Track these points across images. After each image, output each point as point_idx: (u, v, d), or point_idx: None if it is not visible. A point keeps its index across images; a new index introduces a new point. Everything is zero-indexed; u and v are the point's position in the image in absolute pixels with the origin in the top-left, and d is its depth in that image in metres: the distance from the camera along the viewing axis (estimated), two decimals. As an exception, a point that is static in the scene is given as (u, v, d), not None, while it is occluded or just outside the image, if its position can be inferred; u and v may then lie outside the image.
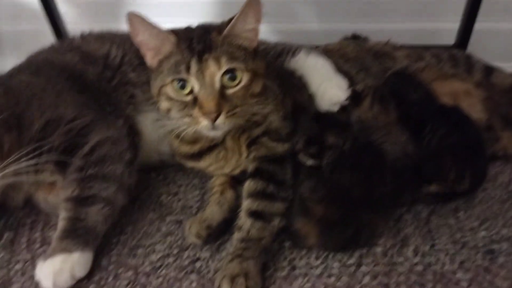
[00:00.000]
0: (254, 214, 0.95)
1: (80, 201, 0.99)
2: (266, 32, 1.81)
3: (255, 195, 0.97)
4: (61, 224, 0.96)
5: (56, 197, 1.09)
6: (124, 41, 1.28)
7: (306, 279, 0.92)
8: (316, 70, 1.20)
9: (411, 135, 1.12)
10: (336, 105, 1.14)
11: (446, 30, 1.69)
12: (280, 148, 1.03)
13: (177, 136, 1.02)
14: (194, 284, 0.92)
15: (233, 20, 0.94)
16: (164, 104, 0.96)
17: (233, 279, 0.87)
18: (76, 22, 1.80)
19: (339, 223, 0.92)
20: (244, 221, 0.95)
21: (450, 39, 1.67)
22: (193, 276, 0.94)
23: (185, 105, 0.92)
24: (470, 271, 0.92)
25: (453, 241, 1.00)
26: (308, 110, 1.17)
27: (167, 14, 1.82)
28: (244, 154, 1.04)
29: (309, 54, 1.24)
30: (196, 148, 1.06)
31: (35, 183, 1.07)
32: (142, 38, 0.94)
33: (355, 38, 1.53)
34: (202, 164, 1.09)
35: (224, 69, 0.91)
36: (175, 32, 0.93)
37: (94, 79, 1.20)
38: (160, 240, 1.03)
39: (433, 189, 1.06)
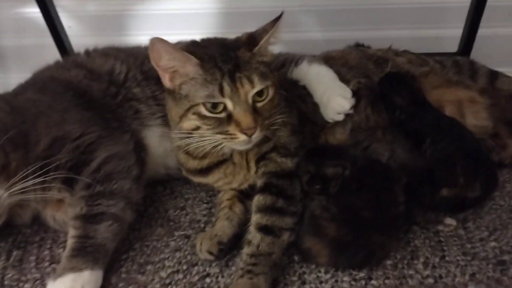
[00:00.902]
0: (264, 229, 0.95)
1: (88, 219, 0.99)
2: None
3: (264, 209, 0.97)
4: (70, 242, 0.96)
5: (64, 214, 1.09)
6: (128, 56, 1.29)
7: (316, 293, 0.92)
8: (319, 79, 1.21)
9: (405, 139, 1.13)
10: (340, 115, 1.14)
11: (449, 37, 1.70)
12: (289, 163, 1.03)
13: (186, 152, 1.02)
14: (204, 301, 0.91)
15: (263, 39, 0.95)
16: (191, 123, 0.94)
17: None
18: (79, 36, 1.81)
19: (352, 245, 0.92)
20: (253, 235, 0.95)
21: (453, 46, 1.68)
22: (203, 293, 0.93)
23: (219, 123, 0.92)
24: (482, 283, 0.92)
25: (463, 252, 1.00)
26: (313, 120, 1.17)
27: (169, 26, 1.83)
28: (253, 169, 1.04)
29: (312, 63, 1.24)
30: (204, 163, 1.06)
31: (42, 200, 1.07)
32: (165, 62, 0.93)
33: (358, 46, 1.53)
34: (210, 179, 1.09)
35: (257, 88, 0.92)
36: (195, 54, 0.92)
37: (100, 96, 1.21)
38: (169, 256, 1.03)
39: (445, 193, 1.04)
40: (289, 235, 0.96)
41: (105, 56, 1.28)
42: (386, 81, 1.21)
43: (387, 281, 0.93)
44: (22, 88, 1.24)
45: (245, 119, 0.90)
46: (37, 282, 0.98)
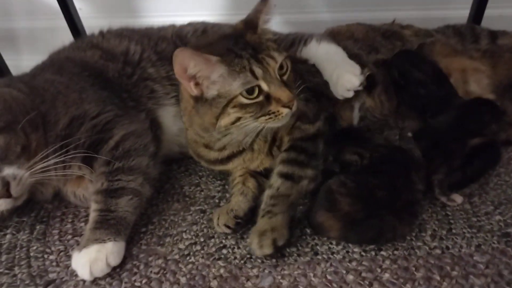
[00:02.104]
0: (285, 175, 1.02)
1: (109, 193, 1.03)
2: (277, 24, 1.83)
3: (287, 161, 1.04)
4: (92, 215, 1.01)
5: (85, 190, 1.13)
6: (141, 37, 1.32)
7: (328, 263, 0.96)
8: (328, 58, 1.23)
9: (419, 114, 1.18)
10: (350, 92, 1.17)
11: (456, 17, 1.70)
12: (311, 128, 1.09)
13: (206, 145, 1.09)
14: (222, 270, 0.96)
15: (260, 19, 0.99)
16: (231, 117, 0.95)
17: (261, 234, 0.95)
18: (89, 17, 1.83)
19: (363, 222, 0.96)
20: (275, 180, 1.03)
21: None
22: (221, 263, 0.98)
23: (260, 106, 0.94)
24: (487, 254, 0.96)
25: (469, 225, 1.03)
26: (325, 94, 1.20)
27: (177, 8, 1.84)
28: (284, 145, 1.09)
29: (321, 42, 1.26)
30: (225, 154, 1.10)
31: (63, 177, 1.11)
32: (190, 71, 0.94)
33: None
34: (229, 166, 1.13)
35: (279, 60, 0.95)
36: (212, 52, 0.93)
37: (115, 75, 1.24)
38: (186, 229, 1.07)
39: (477, 141, 1.09)
40: (308, 183, 1.04)
41: (119, 37, 1.31)
42: (403, 57, 1.24)
43: (396, 252, 0.97)
44: (40, 70, 1.27)
45: (283, 93, 0.93)
46: (61, 253, 1.03)
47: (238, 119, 0.95)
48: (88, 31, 1.81)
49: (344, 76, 1.17)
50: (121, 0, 1.86)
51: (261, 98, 0.94)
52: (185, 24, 1.43)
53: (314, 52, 1.26)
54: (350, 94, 1.17)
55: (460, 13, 1.70)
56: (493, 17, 1.67)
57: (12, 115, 1.03)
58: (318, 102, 1.15)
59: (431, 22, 1.66)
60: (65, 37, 1.80)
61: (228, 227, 1.02)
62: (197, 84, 0.95)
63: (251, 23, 1.00)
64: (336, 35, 1.38)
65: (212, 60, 0.92)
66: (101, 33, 1.35)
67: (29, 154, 1.03)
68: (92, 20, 1.82)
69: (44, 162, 1.04)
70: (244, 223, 1.04)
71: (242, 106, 0.94)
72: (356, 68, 1.18)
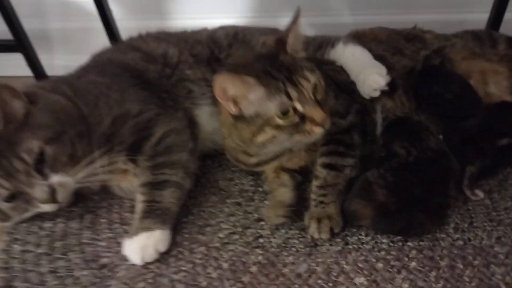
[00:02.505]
0: (328, 166, 1.11)
1: (154, 186, 1.11)
2: (303, 26, 1.90)
3: (328, 153, 1.12)
4: (140, 206, 1.09)
5: (129, 183, 1.21)
6: (178, 41, 1.40)
7: (358, 253, 1.04)
8: (355, 59, 1.29)
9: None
10: (376, 91, 1.23)
11: (475, 21, 1.76)
12: (344, 123, 1.16)
13: (244, 152, 1.17)
14: (260, 257, 1.04)
15: (290, 39, 1.05)
16: (267, 135, 1.02)
17: (319, 220, 1.06)
18: (122, 19, 1.91)
19: (395, 214, 1.03)
20: (320, 171, 1.11)
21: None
22: (259, 250, 1.06)
23: (294, 126, 1.01)
24: (506, 245, 1.03)
25: (489, 219, 1.10)
26: (354, 91, 1.26)
27: (207, 10, 1.92)
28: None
29: (347, 44, 1.33)
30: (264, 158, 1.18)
31: (109, 172, 1.19)
32: (230, 93, 1.00)
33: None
34: (268, 167, 1.21)
35: (313, 80, 1.01)
36: (250, 74, 0.99)
37: (155, 76, 1.32)
38: (224, 220, 1.15)
39: (506, 141, 1.18)
40: (350, 170, 1.12)
41: (158, 40, 1.39)
42: (429, 77, 1.29)
43: (421, 243, 1.05)
44: (84, 71, 1.34)
45: (317, 113, 0.99)
46: (111, 240, 1.12)
47: (274, 136, 1.02)
48: (121, 32, 1.91)
49: (371, 76, 1.23)
50: (151, 2, 1.94)
51: (296, 118, 1.00)
52: (217, 28, 1.51)
53: (341, 54, 1.32)
54: (377, 93, 1.23)
55: (480, 16, 1.76)
56: (512, 21, 1.74)
57: (60, 125, 1.10)
58: (349, 96, 1.22)
59: (451, 26, 1.71)
60: (98, 38, 1.90)
61: (284, 216, 1.10)
62: (235, 103, 1.02)
63: (282, 43, 1.05)
64: (360, 37, 1.44)
65: (249, 82, 0.98)
66: (141, 36, 1.44)
67: (74, 162, 1.10)
68: (124, 22, 1.91)
69: (89, 167, 1.11)
70: (297, 209, 1.11)
71: (277, 127, 1.01)
72: (382, 69, 1.24)
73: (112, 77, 1.28)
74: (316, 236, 1.06)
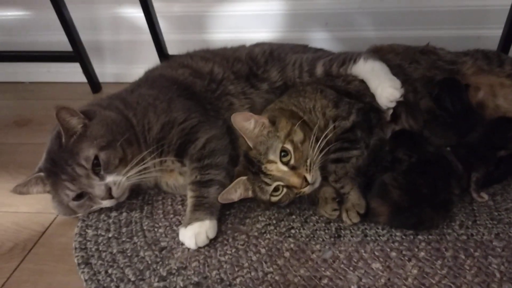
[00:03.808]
0: (335, 161, 1.29)
1: (202, 184, 1.32)
2: (327, 40, 2.09)
3: (335, 151, 1.30)
4: (191, 201, 1.30)
5: (175, 181, 1.43)
6: (221, 59, 1.61)
7: (376, 243, 1.22)
8: (373, 74, 1.46)
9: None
10: (393, 102, 1.40)
11: (489, 37, 1.91)
12: (348, 123, 1.34)
13: None
14: (292, 245, 1.24)
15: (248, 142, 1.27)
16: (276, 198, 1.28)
17: (347, 210, 1.25)
18: (169, 32, 2.13)
19: (407, 210, 1.20)
20: (330, 166, 1.29)
21: (493, 45, 1.88)
22: (291, 239, 1.26)
23: (289, 192, 1.27)
24: (504, 241, 1.19)
25: (491, 218, 1.26)
26: (364, 94, 1.44)
27: (243, 25, 2.12)
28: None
29: (367, 60, 1.49)
30: None
31: (160, 171, 1.41)
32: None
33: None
34: None
35: (277, 158, 1.23)
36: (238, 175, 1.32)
37: (201, 90, 1.53)
38: (261, 214, 1.35)
39: (503, 153, 1.34)
40: (356, 159, 1.30)
41: (205, 60, 1.60)
42: (444, 85, 1.47)
43: (430, 237, 1.22)
44: (137, 85, 1.57)
45: (294, 180, 1.21)
46: (168, 228, 1.34)
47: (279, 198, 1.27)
48: (167, 44, 2.13)
49: (387, 89, 1.38)
50: (194, 18, 2.14)
51: (285, 190, 1.24)
52: (254, 45, 1.71)
53: (362, 69, 1.48)
54: (393, 104, 1.39)
55: (494, 32, 1.90)
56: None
57: (112, 135, 1.31)
58: (353, 99, 1.41)
59: (465, 41, 1.87)
60: (145, 49, 2.13)
61: (337, 209, 1.29)
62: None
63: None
64: (379, 51, 1.61)
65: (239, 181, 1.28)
66: (189, 54, 1.66)
67: (125, 163, 1.32)
68: (170, 35, 2.14)
69: (139, 166, 1.33)
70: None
71: (277, 196, 1.26)
72: (397, 83, 1.40)
73: (160, 89, 1.50)
74: (349, 222, 1.25)
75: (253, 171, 1.25)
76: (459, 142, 1.37)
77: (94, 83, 2.22)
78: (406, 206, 1.20)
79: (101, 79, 2.27)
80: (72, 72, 2.25)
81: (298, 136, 1.25)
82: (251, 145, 1.26)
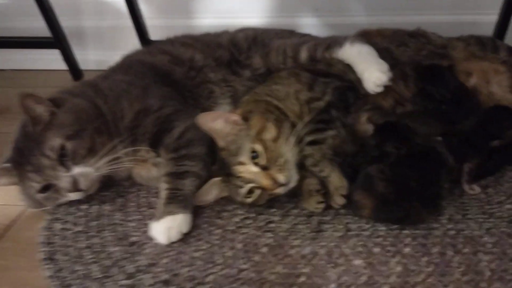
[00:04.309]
0: (311, 143, 1.21)
1: (177, 175, 1.24)
2: (318, 26, 2.02)
3: (309, 132, 1.23)
4: (164, 193, 1.22)
5: (148, 172, 1.36)
6: (203, 46, 1.54)
7: (358, 238, 1.15)
8: (360, 57, 1.39)
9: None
10: (379, 87, 1.33)
11: (484, 23, 1.83)
12: (322, 103, 1.28)
13: None
14: (270, 240, 1.17)
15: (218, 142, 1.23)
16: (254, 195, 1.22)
17: (332, 194, 1.19)
18: (151, 17, 2.05)
19: (393, 203, 1.13)
20: (306, 149, 1.21)
21: (488, 31, 1.81)
22: (269, 234, 1.18)
23: (264, 193, 1.21)
24: (495, 236, 1.12)
25: (482, 212, 1.19)
26: (356, 87, 1.37)
27: (229, 10, 2.04)
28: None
29: (354, 43, 1.42)
30: None
31: (133, 161, 1.33)
32: None
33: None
34: None
35: (246, 158, 1.17)
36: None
37: (180, 77, 1.45)
38: (240, 207, 1.28)
39: (497, 143, 1.27)
40: (333, 140, 1.23)
41: (185, 46, 1.52)
42: (427, 76, 1.39)
43: (416, 231, 1.15)
44: (111, 71, 1.49)
45: (265, 182, 1.15)
46: (140, 222, 1.26)
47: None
48: (150, 30, 2.04)
49: (374, 73, 1.32)
50: (178, 2, 2.06)
51: (259, 191, 1.18)
52: (237, 31, 1.64)
53: (348, 53, 1.42)
54: (380, 89, 1.32)
55: (489, 18, 1.83)
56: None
57: (80, 124, 1.24)
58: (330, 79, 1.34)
59: (460, 27, 1.79)
60: (128, 35, 2.05)
61: (323, 202, 1.21)
62: None
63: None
64: (366, 34, 1.55)
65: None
66: (170, 41, 1.58)
67: (95, 154, 1.24)
68: (153, 21, 2.06)
69: (110, 156, 1.25)
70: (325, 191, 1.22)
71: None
72: (384, 66, 1.33)
73: (136, 75, 1.42)
74: (336, 206, 1.20)
75: (225, 173, 1.19)
76: (452, 131, 1.29)
77: (75, 71, 2.14)
78: (392, 199, 1.13)
79: (83, 66, 2.19)
80: (53, 59, 2.17)
81: (271, 133, 1.18)
82: (222, 145, 1.20)
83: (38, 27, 2.04)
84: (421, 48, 1.50)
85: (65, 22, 2.06)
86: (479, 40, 1.53)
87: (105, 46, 2.22)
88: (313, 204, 1.22)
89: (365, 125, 1.30)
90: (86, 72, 2.18)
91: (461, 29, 1.71)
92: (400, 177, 1.15)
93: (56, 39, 2.03)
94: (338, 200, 1.19)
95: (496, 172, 1.32)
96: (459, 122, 1.32)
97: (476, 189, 1.25)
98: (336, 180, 1.19)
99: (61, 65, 2.14)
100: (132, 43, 1.99)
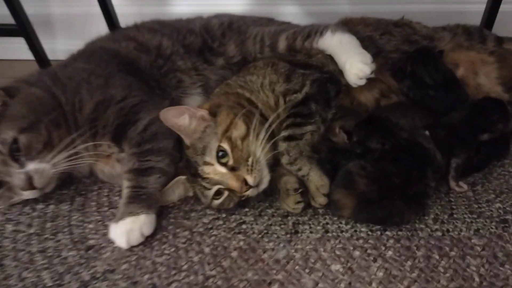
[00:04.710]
0: (287, 138, 1.12)
1: (140, 172, 1.14)
2: (298, 14, 1.91)
3: (286, 127, 1.14)
4: (125, 192, 1.12)
5: (112, 168, 1.25)
6: (172, 32, 1.42)
7: (337, 240, 1.06)
8: (341, 47, 1.30)
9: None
10: (362, 80, 1.24)
11: (472, 12, 1.75)
12: (300, 96, 1.18)
13: None
14: (241, 243, 1.07)
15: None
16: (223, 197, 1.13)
17: (313, 194, 1.10)
18: (121, 5, 1.93)
19: (375, 202, 1.04)
20: (281, 145, 1.12)
21: (476, 20, 1.72)
22: (241, 236, 1.09)
23: (230, 194, 1.12)
24: (484, 238, 1.04)
25: (470, 211, 1.11)
26: (338, 79, 1.28)
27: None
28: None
29: (335, 32, 1.33)
30: None
31: (95, 156, 1.22)
32: None
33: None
34: None
35: (212, 159, 1.07)
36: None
37: (147, 66, 1.34)
38: (209, 207, 1.18)
39: (485, 137, 1.20)
40: (312, 135, 1.13)
41: (153, 32, 1.41)
42: (418, 58, 1.30)
43: (400, 233, 1.06)
44: (72, 59, 1.37)
45: (233, 184, 1.05)
46: (99, 223, 1.15)
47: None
48: (119, 18, 1.92)
49: (356, 65, 1.23)
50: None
51: (227, 193, 1.09)
52: (212, 16, 1.53)
53: (329, 42, 1.32)
54: (363, 82, 1.24)
55: (476, 7, 1.75)
56: (508, 12, 1.72)
57: (35, 116, 1.13)
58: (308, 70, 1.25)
59: (447, 17, 1.71)
60: (98, 23, 1.92)
61: (302, 201, 1.12)
62: None
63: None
64: (348, 23, 1.46)
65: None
66: (136, 26, 1.46)
67: (51, 148, 1.13)
68: (123, 8, 1.93)
69: (68, 151, 1.14)
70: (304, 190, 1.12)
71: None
72: (367, 57, 1.24)
73: (98, 63, 1.30)
74: (317, 206, 1.12)
75: (191, 172, 1.10)
76: (438, 123, 1.20)
77: (42, 60, 1.99)
78: (374, 197, 1.05)
79: (51, 56, 2.04)
80: (18, 48, 2.03)
81: (239, 130, 1.08)
82: (187, 142, 1.10)
83: (1, 14, 1.90)
84: (406, 38, 1.41)
85: (31, 9, 1.91)
86: (466, 30, 1.45)
87: (74, 34, 2.07)
88: (291, 204, 1.12)
89: (340, 135, 1.20)
90: (54, 62, 2.04)
91: (448, 20, 1.63)
92: (383, 173, 1.06)
93: (20, 26, 1.88)
94: (320, 200, 1.10)
95: (485, 168, 1.24)
96: (446, 113, 1.24)
97: (464, 186, 1.17)
98: (316, 179, 1.09)
99: (27, 54, 2.00)
100: (104, 32, 1.86)
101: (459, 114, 1.22)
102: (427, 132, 1.18)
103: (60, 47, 2.09)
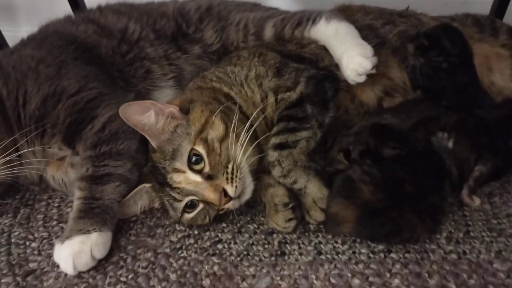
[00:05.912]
0: (279, 146, 0.96)
1: (95, 180, 0.96)
2: (288, 0, 1.73)
3: (277, 133, 0.98)
4: (76, 204, 0.94)
5: (64, 174, 1.07)
6: (141, 15, 1.25)
7: (332, 265, 0.88)
8: (338, 38, 1.15)
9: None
10: (362, 76, 1.09)
11: (480, 1, 1.61)
12: (294, 95, 1.03)
13: None
14: (216, 268, 0.88)
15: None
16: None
17: (309, 208, 0.94)
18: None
19: (382, 214, 0.88)
20: (271, 155, 0.96)
21: (485, 9, 1.59)
22: (215, 259, 0.91)
23: (206, 207, 0.95)
24: (508, 261, 0.87)
25: (488, 228, 0.95)
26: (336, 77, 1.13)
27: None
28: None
29: (330, 20, 1.18)
30: None
31: (44, 160, 1.04)
32: None
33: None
34: None
35: (184, 166, 0.91)
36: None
37: (109, 53, 1.17)
38: (178, 222, 1.00)
39: None
40: (307, 143, 0.98)
41: (118, 14, 1.24)
42: (444, 29, 1.17)
43: (407, 255, 0.89)
44: (22, 45, 1.19)
45: (210, 195, 0.88)
46: (44, 241, 0.97)
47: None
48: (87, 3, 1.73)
49: (355, 58, 1.09)
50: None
51: (201, 205, 0.93)
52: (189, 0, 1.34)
53: (323, 32, 1.18)
54: (362, 78, 1.09)
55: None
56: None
57: None
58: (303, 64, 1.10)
59: (455, 5, 1.56)
60: (64, 8, 1.73)
61: (295, 218, 0.95)
62: None
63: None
64: (346, 10, 1.31)
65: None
66: (99, 8, 1.28)
67: None
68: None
69: (9, 156, 0.98)
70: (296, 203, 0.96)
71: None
72: (368, 50, 1.10)
73: (49, 50, 1.13)
74: (314, 223, 0.95)
75: (158, 180, 0.92)
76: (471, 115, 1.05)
77: (2, 49, 1.81)
78: (380, 208, 0.88)
79: (11, 43, 1.86)
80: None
81: (216, 130, 0.92)
82: (154, 144, 0.93)
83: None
84: (412, 28, 1.25)
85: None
86: (477, 21, 1.30)
87: (40, 21, 1.89)
88: (281, 222, 0.94)
89: (341, 160, 1.02)
90: (17, 52, 1.87)
91: (451, 8, 1.47)
92: (393, 179, 0.90)
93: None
94: (317, 216, 0.93)
95: (503, 175, 1.08)
96: (449, 104, 1.09)
97: (476, 201, 1.01)
98: (315, 191, 0.93)
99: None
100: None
101: (498, 112, 1.07)
102: (446, 135, 1.01)
103: (23, 34, 1.90)
